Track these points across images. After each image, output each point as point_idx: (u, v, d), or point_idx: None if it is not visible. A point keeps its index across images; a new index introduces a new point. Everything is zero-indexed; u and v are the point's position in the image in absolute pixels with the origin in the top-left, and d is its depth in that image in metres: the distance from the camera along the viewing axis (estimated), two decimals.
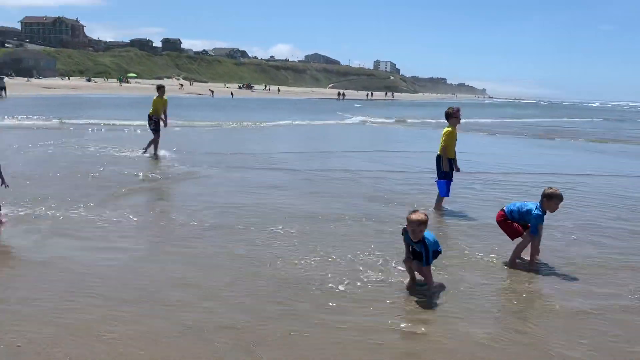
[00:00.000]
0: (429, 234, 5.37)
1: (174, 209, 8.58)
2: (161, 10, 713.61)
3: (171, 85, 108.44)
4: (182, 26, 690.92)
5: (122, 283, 5.37)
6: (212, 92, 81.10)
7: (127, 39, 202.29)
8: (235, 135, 22.66)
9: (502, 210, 6.57)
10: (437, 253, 5.50)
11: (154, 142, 14.23)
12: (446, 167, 8.99)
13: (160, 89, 14.47)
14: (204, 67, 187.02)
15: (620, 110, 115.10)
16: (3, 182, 7.45)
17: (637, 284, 5.87)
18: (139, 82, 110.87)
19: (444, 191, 9.01)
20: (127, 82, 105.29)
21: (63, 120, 23.52)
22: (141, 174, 11.31)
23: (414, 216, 5.22)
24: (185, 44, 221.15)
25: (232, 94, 78.62)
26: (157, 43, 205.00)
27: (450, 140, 9.00)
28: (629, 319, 5.00)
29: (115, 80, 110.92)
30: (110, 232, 7.07)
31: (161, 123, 14.37)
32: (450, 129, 9.02)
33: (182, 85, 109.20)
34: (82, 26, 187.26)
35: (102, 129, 21.26)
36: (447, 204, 9.28)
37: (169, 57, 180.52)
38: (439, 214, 8.92)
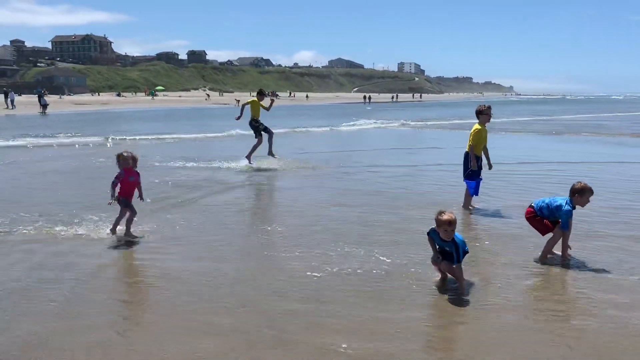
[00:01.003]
0: (456, 233, 5.42)
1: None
2: (186, 23, 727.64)
3: (198, 97, 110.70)
4: (207, 38, 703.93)
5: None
6: (238, 101, 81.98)
7: (153, 53, 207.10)
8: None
9: (531, 206, 6.54)
10: (465, 253, 5.54)
11: (255, 146, 14.27)
12: (474, 165, 8.95)
13: (261, 93, 14.96)
14: (229, 77, 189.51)
15: None
16: (140, 195, 7.62)
17: None
18: (166, 95, 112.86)
19: (473, 190, 8.98)
20: (156, 95, 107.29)
21: (112, 137, 22.95)
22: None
23: (445, 217, 5.25)
24: (210, 55, 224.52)
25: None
26: (183, 55, 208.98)
27: (477, 139, 8.96)
28: None
29: (142, 94, 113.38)
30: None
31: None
32: (479, 127, 8.98)
33: (208, 95, 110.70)
34: (110, 42, 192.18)
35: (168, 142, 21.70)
36: (474, 201, 9.24)
37: (195, 68, 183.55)
38: (468, 213, 8.89)
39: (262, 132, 14.36)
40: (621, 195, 10.21)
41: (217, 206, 9.36)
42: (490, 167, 9.19)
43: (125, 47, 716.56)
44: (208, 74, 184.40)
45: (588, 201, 6.20)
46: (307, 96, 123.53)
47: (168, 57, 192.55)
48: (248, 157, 14.14)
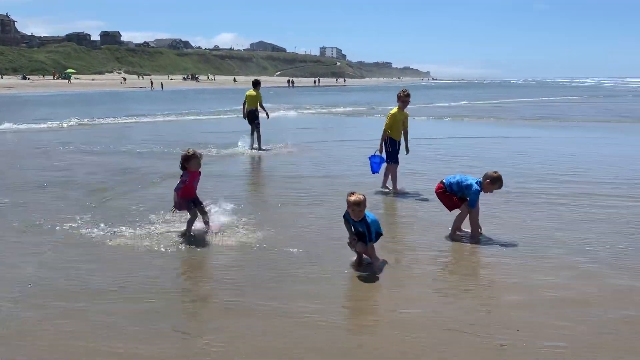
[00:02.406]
0: (369, 213, 5.64)
1: None
2: (98, 3, 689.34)
3: (113, 80, 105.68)
4: (121, 18, 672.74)
5: None
6: (152, 83, 79.11)
7: (63, 34, 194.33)
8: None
9: (442, 182, 6.85)
10: (378, 234, 5.77)
11: (258, 135, 15.07)
12: (380, 149, 9.19)
13: (255, 83, 15.62)
14: (146, 60, 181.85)
15: (556, 86, 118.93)
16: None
17: (568, 248, 6.32)
18: (78, 78, 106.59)
19: (373, 168, 9.21)
20: (71, 78, 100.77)
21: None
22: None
23: (352, 198, 5.47)
24: (125, 37, 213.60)
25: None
26: (96, 37, 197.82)
27: (391, 122, 9.20)
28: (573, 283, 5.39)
29: (51, 77, 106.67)
30: None
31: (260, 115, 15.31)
32: (394, 110, 9.23)
33: (124, 79, 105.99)
34: (13, 21, 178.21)
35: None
36: (375, 179, 9.55)
37: (109, 50, 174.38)
38: (385, 192, 9.19)
39: (254, 124, 15.13)
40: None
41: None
42: (407, 151, 9.49)
43: (31, 26, 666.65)
44: (123, 56, 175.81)
45: (491, 191, 6.58)
46: (234, 80, 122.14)
47: (79, 38, 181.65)
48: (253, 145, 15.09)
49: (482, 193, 6.55)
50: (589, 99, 49.49)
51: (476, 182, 6.52)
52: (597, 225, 7.23)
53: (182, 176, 6.76)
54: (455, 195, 6.70)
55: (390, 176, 9.38)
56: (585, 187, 9.65)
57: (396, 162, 9.31)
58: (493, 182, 6.44)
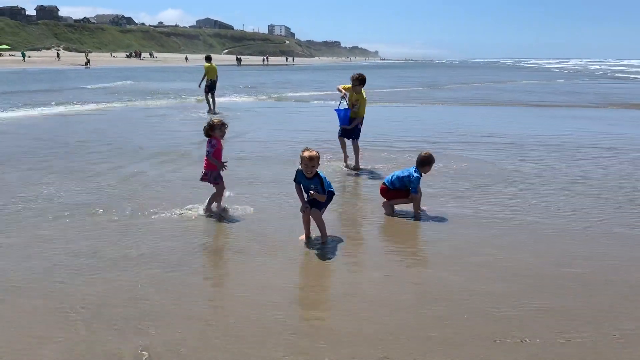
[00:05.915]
0: (320, 172, 5.60)
1: None
2: None
3: (50, 56, 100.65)
4: None
5: None
6: (87, 62, 75.02)
7: None
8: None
9: (384, 184, 7.00)
10: (332, 194, 5.72)
11: (214, 100, 18.94)
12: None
13: (209, 58, 19.43)
14: (86, 36, 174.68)
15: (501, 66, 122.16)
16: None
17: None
18: (12, 55, 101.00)
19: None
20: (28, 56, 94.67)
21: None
22: None
23: (305, 153, 5.44)
24: (63, 12, 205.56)
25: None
26: (31, 11, 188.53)
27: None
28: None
29: None
30: None
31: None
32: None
33: (58, 55, 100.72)
34: None
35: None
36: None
37: (46, 26, 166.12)
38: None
39: (210, 92, 18.79)
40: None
41: None
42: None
43: None
44: (62, 32, 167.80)
45: (430, 169, 6.84)
46: (186, 58, 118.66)
47: (13, 13, 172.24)
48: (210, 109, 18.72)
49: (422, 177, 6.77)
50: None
51: (414, 170, 6.73)
52: None
53: (210, 142, 6.59)
54: (400, 190, 6.83)
55: (356, 152, 9.46)
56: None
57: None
58: (428, 163, 6.73)
